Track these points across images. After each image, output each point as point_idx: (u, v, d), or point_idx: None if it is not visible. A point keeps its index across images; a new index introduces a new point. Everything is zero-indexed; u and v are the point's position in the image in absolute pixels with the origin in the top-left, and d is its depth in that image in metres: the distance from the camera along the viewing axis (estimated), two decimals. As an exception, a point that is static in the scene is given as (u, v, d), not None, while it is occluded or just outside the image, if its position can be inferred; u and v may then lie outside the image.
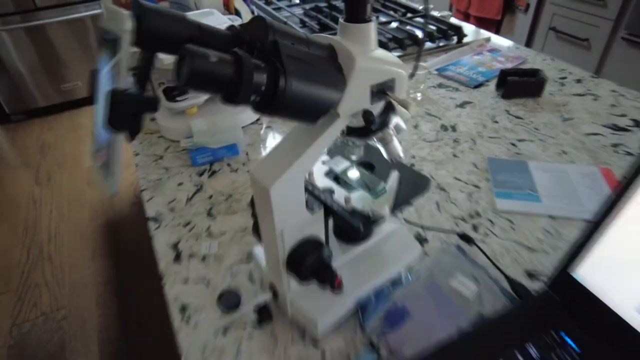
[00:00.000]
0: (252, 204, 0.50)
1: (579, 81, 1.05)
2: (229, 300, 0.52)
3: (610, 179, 0.73)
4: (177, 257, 0.62)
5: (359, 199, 0.47)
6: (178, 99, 0.86)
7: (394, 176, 0.48)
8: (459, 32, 1.24)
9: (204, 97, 0.88)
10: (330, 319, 0.49)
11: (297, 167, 0.39)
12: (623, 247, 0.45)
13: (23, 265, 1.81)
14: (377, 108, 0.42)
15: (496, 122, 0.90)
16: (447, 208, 0.68)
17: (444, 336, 0.49)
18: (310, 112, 0.36)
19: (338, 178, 0.50)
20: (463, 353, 0.46)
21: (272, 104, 0.32)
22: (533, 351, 0.45)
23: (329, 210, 0.46)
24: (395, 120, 0.45)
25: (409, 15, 1.39)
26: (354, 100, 0.38)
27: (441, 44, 1.23)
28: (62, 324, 1.60)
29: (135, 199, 2.16)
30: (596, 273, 0.47)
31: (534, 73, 0.97)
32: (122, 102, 0.34)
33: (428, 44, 1.23)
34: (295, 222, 0.43)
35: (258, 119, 0.94)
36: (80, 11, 2.57)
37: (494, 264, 0.58)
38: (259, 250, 0.55)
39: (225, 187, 0.75)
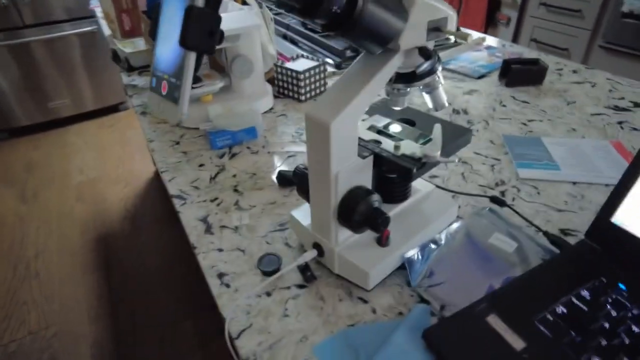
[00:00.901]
0: (294, 174, 0.49)
1: (575, 72, 1.09)
2: (270, 263, 0.52)
3: (622, 151, 0.76)
4: (208, 229, 0.61)
5: (407, 146, 0.47)
6: (194, 85, 0.86)
7: (437, 127, 0.48)
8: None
9: (219, 84, 0.88)
10: (379, 271, 0.48)
11: (356, 104, 0.39)
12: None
13: (9, 283, 1.73)
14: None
15: (504, 105, 0.93)
16: (472, 178, 0.69)
17: (490, 288, 0.49)
18: (378, 36, 0.36)
19: (381, 132, 0.51)
20: (517, 300, 0.46)
21: (347, 21, 0.33)
22: (587, 295, 0.45)
23: (379, 157, 0.46)
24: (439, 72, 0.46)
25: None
26: (413, 34, 0.39)
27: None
28: (52, 342, 1.52)
29: (126, 214, 2.11)
30: (637, 216, 0.49)
31: (535, 62, 1.02)
32: (200, 17, 0.34)
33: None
34: (349, 167, 0.43)
35: (272, 108, 0.94)
36: (66, 29, 2.56)
37: (529, 221, 0.59)
38: (298, 212, 0.54)
39: (248, 167, 0.74)
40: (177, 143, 0.83)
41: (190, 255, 1.75)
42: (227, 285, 0.52)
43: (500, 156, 0.75)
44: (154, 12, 0.70)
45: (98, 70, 2.73)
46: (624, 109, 0.90)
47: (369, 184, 0.47)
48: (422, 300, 0.49)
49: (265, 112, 0.92)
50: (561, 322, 0.43)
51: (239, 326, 0.47)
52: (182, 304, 1.59)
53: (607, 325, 0.42)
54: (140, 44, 1.25)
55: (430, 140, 0.48)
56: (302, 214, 0.54)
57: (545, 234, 0.56)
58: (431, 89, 0.46)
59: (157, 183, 2.29)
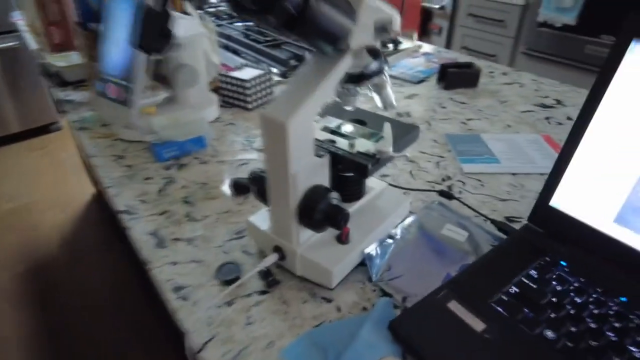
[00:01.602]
0: (250, 178, 0.49)
1: (504, 74, 1.18)
2: (229, 272, 0.50)
3: (552, 143, 0.83)
4: (160, 243, 0.58)
5: (361, 144, 0.49)
6: (134, 98, 0.83)
7: (387, 125, 0.50)
8: (396, 42, 1.34)
9: (162, 95, 0.85)
10: (342, 269, 0.48)
11: (311, 102, 0.40)
12: (589, 170, 0.51)
13: None
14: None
15: (444, 107, 0.98)
16: (420, 175, 0.72)
17: (447, 277, 0.51)
18: (330, 35, 0.37)
19: (334, 133, 0.52)
20: (473, 285, 0.48)
21: (302, 20, 0.33)
22: (534, 274, 0.49)
23: (335, 156, 0.47)
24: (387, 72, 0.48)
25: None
26: (362, 34, 0.40)
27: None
28: (-19, 388, 1.37)
29: (62, 241, 1.97)
30: (570, 199, 0.53)
31: (469, 66, 1.08)
32: (155, 18, 0.33)
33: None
34: (307, 166, 0.44)
35: (219, 118, 0.92)
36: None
37: (476, 211, 0.62)
38: (256, 218, 0.53)
39: (198, 177, 0.72)
40: (121, 157, 0.79)
41: (139, 280, 1.65)
42: (185, 299, 0.50)
43: (445, 154, 0.79)
44: (94, 20, 0.67)
45: (24, 89, 2.54)
46: (549, 106, 0.98)
47: (326, 183, 0.48)
48: (385, 293, 0.50)
49: (213, 122, 0.91)
50: (514, 301, 0.45)
51: (202, 338, 0.45)
52: (132, 333, 1.49)
53: (554, 299, 0.45)
54: (74, 57, 1.18)
55: (382, 137, 0.49)
56: (260, 219, 0.53)
57: (493, 222, 0.59)
58: (379, 89, 0.48)
59: (96, 206, 2.16)
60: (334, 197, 0.45)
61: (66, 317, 1.56)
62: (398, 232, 0.57)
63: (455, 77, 1.05)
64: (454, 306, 0.45)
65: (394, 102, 0.49)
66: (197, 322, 0.47)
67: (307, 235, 0.49)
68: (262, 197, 0.49)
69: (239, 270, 0.52)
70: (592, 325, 0.42)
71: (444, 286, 0.48)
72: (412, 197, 0.66)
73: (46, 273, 1.77)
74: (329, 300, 0.49)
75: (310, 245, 0.49)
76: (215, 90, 0.98)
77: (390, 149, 0.47)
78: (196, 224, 0.61)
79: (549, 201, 0.55)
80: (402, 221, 0.58)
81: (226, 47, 1.34)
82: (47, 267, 1.80)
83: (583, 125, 0.51)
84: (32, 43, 1.39)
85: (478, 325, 0.43)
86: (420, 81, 1.13)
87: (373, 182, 0.59)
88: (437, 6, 2.57)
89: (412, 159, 0.77)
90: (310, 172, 0.44)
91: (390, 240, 0.55)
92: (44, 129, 2.78)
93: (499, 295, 0.46)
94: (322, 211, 0.44)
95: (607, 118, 0.49)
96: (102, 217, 2.07)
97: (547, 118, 0.93)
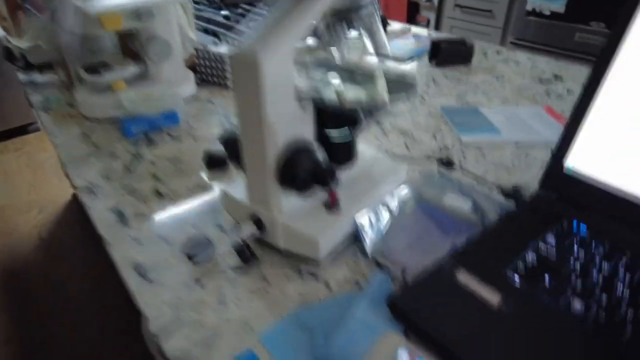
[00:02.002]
0: (221, 138, 0.42)
1: (498, 52, 1.13)
2: (199, 247, 0.43)
3: (554, 114, 0.77)
4: (123, 221, 0.51)
5: (351, 92, 0.42)
6: (102, 71, 0.75)
7: (379, 70, 0.43)
8: (384, 21, 1.29)
9: (132, 69, 0.78)
10: (330, 238, 0.42)
11: (288, 34, 0.33)
12: (609, 124, 0.45)
13: None
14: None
15: (437, 83, 0.92)
16: (415, 147, 0.66)
17: (453, 248, 0.44)
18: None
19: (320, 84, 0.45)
20: (484, 253, 0.42)
21: None
22: (552, 240, 0.42)
23: (320, 104, 0.40)
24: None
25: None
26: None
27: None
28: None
29: (40, 243, 1.87)
30: (587, 159, 0.47)
31: (462, 42, 1.03)
32: None
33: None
34: (286, 115, 0.37)
35: (195, 95, 0.85)
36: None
37: (482, 179, 0.56)
38: (231, 187, 0.46)
39: (170, 153, 0.65)
40: (86, 135, 0.71)
41: (120, 280, 1.56)
42: (148, 279, 0.42)
43: (441, 125, 0.73)
44: None
45: (-2, 87, 2.44)
46: (547, 80, 0.93)
47: (310, 137, 0.41)
48: (381, 268, 0.43)
49: (189, 100, 0.83)
50: (533, 270, 0.39)
51: (166, 324, 0.37)
52: (114, 333, 1.40)
53: (578, 265, 0.39)
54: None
55: (374, 84, 0.42)
56: (235, 187, 0.46)
57: (500, 188, 0.53)
58: (371, 33, 0.41)
59: (76, 206, 2.06)
60: (320, 153, 0.38)
61: (45, 320, 1.46)
62: (395, 202, 0.50)
63: (448, 53, 0.99)
64: (463, 277, 0.38)
65: (388, 46, 0.42)
66: (162, 305, 0.39)
67: (289, 202, 0.42)
68: (237, 159, 0.42)
69: (210, 244, 0.44)
70: (627, 293, 0.36)
71: (450, 256, 0.41)
72: (408, 168, 0.59)
73: (24, 276, 1.67)
74: (316, 277, 0.42)
75: (293, 213, 0.42)
76: (192, 67, 0.91)
77: (385, 95, 0.40)
78: (164, 200, 0.54)
79: (562, 163, 0.49)
80: (398, 190, 0.52)
81: (205, 31, 1.27)
82: (25, 270, 1.70)
83: (601, 71, 0.45)
84: (-2, 30, 1.31)
85: (492, 297, 0.36)
86: (411, 59, 1.07)
87: (364, 149, 0.52)
88: (424, 0, 2.53)
89: (406, 131, 0.70)
90: (290, 122, 0.37)
91: (385, 211, 0.48)
92: (21, 130, 2.67)
93: (515, 264, 0.40)
94: (306, 169, 0.37)
95: (630, 63, 0.43)
96: (82, 217, 1.97)
97: (546, 92, 0.87)
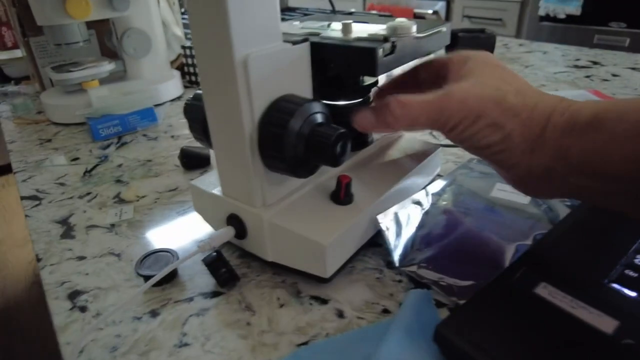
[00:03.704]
0: (186, 108, 0.30)
1: (521, 45, 1.01)
2: (157, 263, 0.30)
3: (603, 97, 0.64)
4: (67, 233, 0.38)
5: (362, 29, 0.30)
6: (72, 69, 0.65)
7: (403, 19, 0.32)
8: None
9: (107, 66, 0.67)
10: (342, 244, 0.29)
11: None
12: None
13: None
14: None
15: (459, 74, 0.80)
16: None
17: (518, 252, 0.31)
18: None
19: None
20: (570, 260, 0.28)
21: None
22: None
23: (320, 47, 0.28)
24: None
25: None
26: None
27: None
28: None
29: (34, 278, 1.75)
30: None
31: (482, 31, 0.91)
32: None
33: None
34: (268, 57, 0.25)
35: (181, 97, 0.74)
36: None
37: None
38: (204, 181, 0.34)
39: (142, 154, 0.53)
40: (48, 141, 0.60)
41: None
42: (82, 309, 0.29)
43: (471, 114, 0.60)
44: None
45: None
46: (584, 67, 0.81)
47: (308, 94, 0.29)
48: (418, 284, 0.30)
49: (174, 102, 0.72)
50: (653, 278, 0.25)
51: (91, 377, 0.24)
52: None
53: None
54: (17, 52, 1.01)
55: (393, 20, 0.30)
56: (209, 179, 0.34)
57: (565, 175, 0.40)
58: None
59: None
60: (319, 110, 0.26)
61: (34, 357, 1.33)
62: (428, 196, 0.37)
63: (467, 43, 0.88)
64: (548, 294, 0.25)
65: None
66: (93, 345, 0.26)
67: (279, 191, 0.29)
68: (203, 133, 0.30)
69: (175, 260, 0.32)
70: None
71: (521, 262, 0.28)
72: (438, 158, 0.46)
73: (14, 311, 1.55)
74: (323, 301, 0.29)
75: (285, 207, 0.29)
76: (180, 68, 0.80)
77: (414, 27, 0.28)
78: (126, 206, 0.42)
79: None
80: (431, 182, 0.39)
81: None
82: (13, 311, 1.58)
83: None
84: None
85: (604, 322, 0.23)
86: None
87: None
88: (430, 11, 2.46)
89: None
90: (274, 64, 0.25)
91: (417, 207, 0.35)
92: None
93: (620, 270, 0.26)
94: (299, 133, 0.25)
95: None
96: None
97: (587, 76, 0.75)
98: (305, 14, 0.80)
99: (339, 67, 0.27)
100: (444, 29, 0.31)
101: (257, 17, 0.24)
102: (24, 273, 1.79)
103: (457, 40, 0.89)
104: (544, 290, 0.25)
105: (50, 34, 0.64)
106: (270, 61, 0.25)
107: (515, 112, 0.25)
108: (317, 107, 0.26)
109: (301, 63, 0.27)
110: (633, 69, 0.78)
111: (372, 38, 0.27)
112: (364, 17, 0.35)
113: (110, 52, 0.78)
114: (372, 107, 0.28)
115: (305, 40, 0.27)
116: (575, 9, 1.84)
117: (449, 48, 0.92)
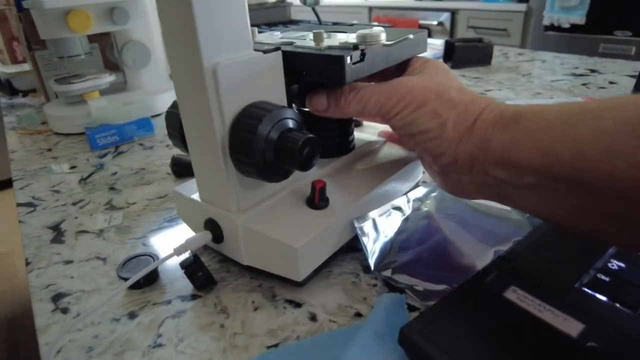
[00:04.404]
0: (167, 115, 0.31)
1: (520, 54, 1.02)
2: (138, 266, 0.31)
3: (599, 105, 0.64)
4: (58, 238, 0.39)
5: (334, 39, 0.31)
6: (73, 81, 0.67)
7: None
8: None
9: (108, 78, 0.69)
10: (316, 248, 0.29)
11: None
12: None
13: None
14: None
15: (455, 83, 0.81)
16: (434, 144, 0.53)
17: (495, 258, 0.31)
18: None
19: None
20: (542, 264, 0.28)
21: None
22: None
23: (292, 57, 0.28)
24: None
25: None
26: None
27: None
28: None
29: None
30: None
31: (479, 41, 0.92)
32: None
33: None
34: (237, 60, 0.25)
35: (180, 107, 0.76)
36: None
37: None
38: (187, 187, 0.34)
39: (136, 163, 0.54)
40: (48, 150, 0.62)
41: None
42: (64, 310, 0.30)
43: (463, 122, 0.61)
44: None
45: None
46: (582, 75, 0.81)
47: (282, 101, 0.29)
48: (392, 289, 0.30)
49: (173, 111, 0.74)
50: (619, 281, 0.25)
51: (65, 376, 0.25)
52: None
53: (698, 274, 0.25)
54: (25, 66, 1.05)
55: (364, 29, 0.31)
56: (191, 185, 0.34)
57: (548, 180, 0.40)
58: None
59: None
60: (290, 115, 0.27)
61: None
62: (409, 203, 0.37)
63: (464, 53, 0.89)
64: (517, 297, 0.25)
65: None
66: (71, 345, 0.27)
67: (253, 196, 0.30)
68: (180, 139, 0.31)
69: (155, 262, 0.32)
70: None
71: (493, 266, 0.28)
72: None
73: (19, 323, 1.57)
74: (297, 304, 0.29)
75: (260, 211, 0.30)
76: (180, 79, 0.82)
77: (383, 35, 0.29)
78: (116, 212, 0.43)
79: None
80: (413, 188, 0.39)
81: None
82: (21, 319, 1.60)
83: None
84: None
85: (570, 325, 0.23)
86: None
87: (364, 136, 0.41)
88: (435, 22, 2.48)
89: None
90: (244, 72, 0.26)
91: (397, 213, 0.36)
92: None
93: (590, 275, 0.26)
94: (266, 138, 0.26)
95: None
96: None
97: (584, 84, 0.75)
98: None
99: (310, 74, 0.28)
100: (411, 36, 0.32)
101: (226, 27, 0.25)
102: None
103: (454, 50, 0.90)
104: (513, 294, 0.25)
105: (53, 47, 0.66)
106: (240, 69, 0.26)
107: (453, 104, 0.28)
108: (287, 113, 0.27)
109: (273, 71, 0.28)
110: (632, 76, 0.78)
111: (342, 46, 0.28)
112: (353, 28, 0.36)
113: (112, 65, 0.80)
114: (327, 91, 0.31)
115: (277, 49, 0.28)
116: (579, 18, 1.84)
117: (446, 58, 0.93)
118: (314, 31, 0.29)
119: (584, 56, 0.95)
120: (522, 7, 2.07)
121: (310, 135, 0.26)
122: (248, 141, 0.25)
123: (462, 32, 2.34)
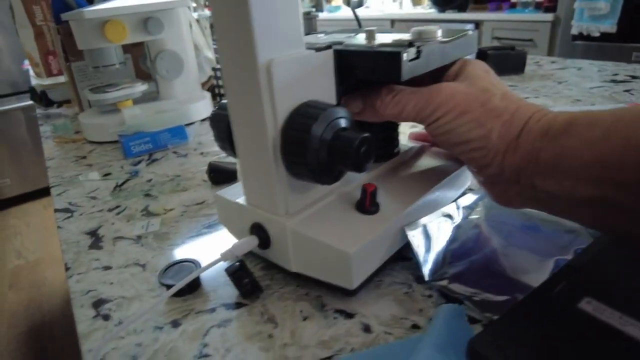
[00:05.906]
0: (212, 117, 0.31)
1: (553, 62, 0.99)
2: (180, 273, 0.30)
3: (646, 111, 0.61)
4: (95, 244, 0.39)
5: (386, 37, 0.30)
6: (108, 90, 0.68)
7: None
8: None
9: (141, 87, 0.70)
10: (368, 255, 0.27)
11: None
12: None
13: None
14: None
15: (489, 90, 0.79)
16: (474, 151, 0.51)
17: (556, 268, 0.29)
18: None
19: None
20: (615, 273, 0.26)
21: None
22: None
23: (343, 55, 0.27)
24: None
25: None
26: None
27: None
28: None
29: (65, 297, 1.80)
30: None
31: (511, 49, 0.90)
32: None
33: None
34: (291, 63, 0.25)
35: (211, 116, 0.76)
36: (9, 103, 2.38)
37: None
38: (229, 190, 0.34)
39: (171, 170, 0.54)
40: (83, 157, 0.62)
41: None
42: (106, 317, 0.29)
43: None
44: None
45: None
46: (623, 81, 0.78)
47: (332, 100, 0.28)
48: (449, 300, 0.28)
49: (204, 121, 0.74)
50: None
51: (110, 386, 0.24)
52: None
53: None
54: (60, 78, 1.07)
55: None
56: (234, 189, 0.33)
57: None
58: None
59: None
60: (343, 115, 0.26)
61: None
62: (459, 210, 0.36)
63: (496, 61, 0.87)
64: (591, 307, 0.23)
65: None
66: (114, 353, 0.26)
67: (304, 199, 0.29)
68: (228, 141, 0.30)
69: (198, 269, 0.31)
70: None
71: (560, 276, 0.26)
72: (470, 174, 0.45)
73: (47, 333, 1.59)
74: (348, 315, 0.28)
75: (309, 216, 0.29)
76: (211, 90, 0.83)
77: (438, 31, 0.28)
78: (153, 219, 0.42)
79: None
80: (461, 195, 0.38)
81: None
82: (49, 326, 1.63)
83: None
84: (34, 80, 1.32)
85: (659, 341, 0.21)
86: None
87: (409, 142, 0.39)
88: (458, 34, 2.46)
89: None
90: (298, 70, 0.25)
91: (447, 221, 0.34)
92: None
93: (676, 287, 0.24)
94: (322, 138, 0.24)
95: None
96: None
97: (627, 90, 0.72)
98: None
99: (363, 73, 0.27)
100: (470, 32, 0.30)
101: (280, 24, 0.24)
102: (60, 289, 1.85)
103: (487, 58, 0.88)
104: (588, 306, 0.23)
105: (90, 58, 0.67)
106: (293, 66, 0.25)
107: (497, 113, 0.26)
108: (340, 112, 0.26)
109: (325, 69, 0.27)
110: (676, 82, 0.74)
111: (397, 43, 0.27)
112: (397, 31, 0.35)
113: (144, 75, 0.81)
114: (362, 93, 0.29)
115: (328, 47, 0.27)
116: (610, 26, 1.79)
117: (478, 66, 0.91)
118: (366, 29, 0.28)
119: (622, 63, 0.92)
120: (549, 16, 2.03)
121: (367, 135, 0.25)
122: (302, 141, 0.24)
123: (487, 44, 2.31)
